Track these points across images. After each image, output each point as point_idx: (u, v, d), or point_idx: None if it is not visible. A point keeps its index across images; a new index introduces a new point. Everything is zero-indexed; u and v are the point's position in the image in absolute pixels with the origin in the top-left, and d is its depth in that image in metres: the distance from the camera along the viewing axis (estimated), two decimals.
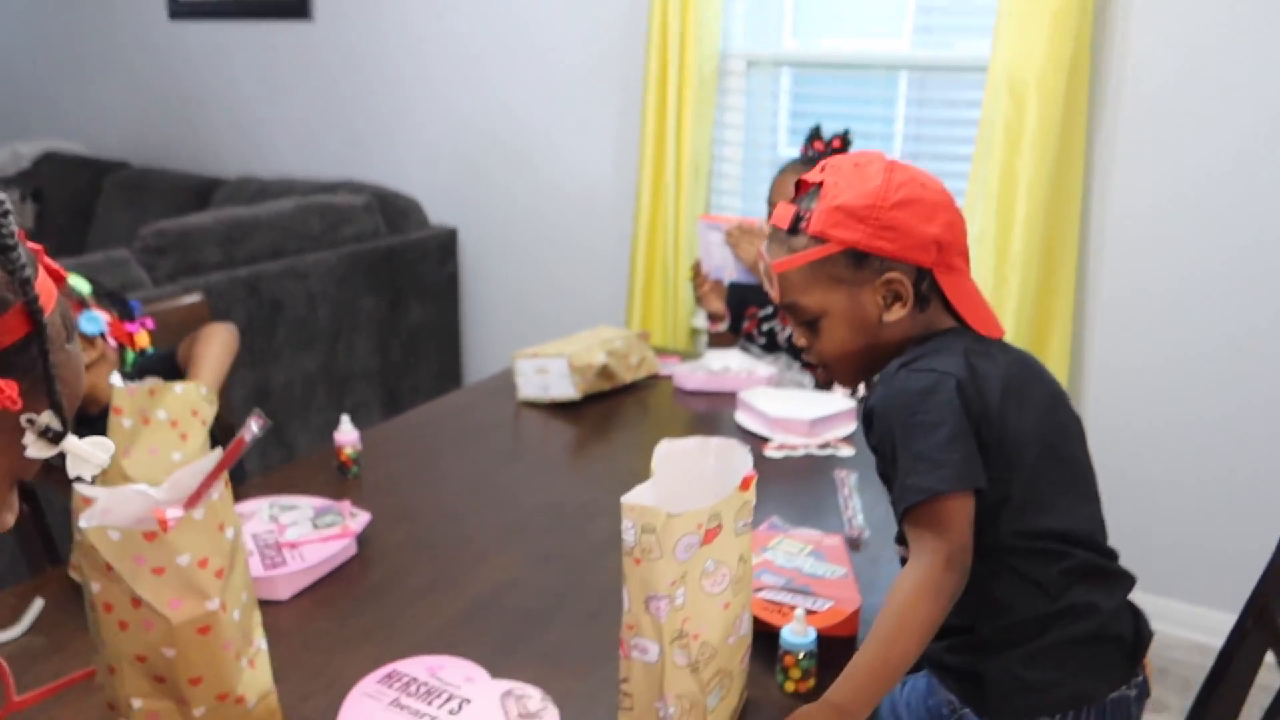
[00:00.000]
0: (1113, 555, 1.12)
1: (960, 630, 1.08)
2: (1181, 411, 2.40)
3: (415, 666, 1.07)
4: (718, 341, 2.44)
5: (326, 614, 1.24)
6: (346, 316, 3.00)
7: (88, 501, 0.88)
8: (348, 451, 1.60)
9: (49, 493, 1.60)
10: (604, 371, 2.00)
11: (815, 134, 2.30)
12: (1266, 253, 2.24)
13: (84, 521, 0.85)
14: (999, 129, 2.32)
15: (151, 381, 1.22)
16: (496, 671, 1.08)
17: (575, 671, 1.12)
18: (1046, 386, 1.14)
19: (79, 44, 4.20)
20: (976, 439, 1.03)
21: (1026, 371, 1.13)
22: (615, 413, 1.96)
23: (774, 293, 1.16)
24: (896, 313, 1.11)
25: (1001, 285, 2.40)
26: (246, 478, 1.65)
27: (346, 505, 1.41)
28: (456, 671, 1.06)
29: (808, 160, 2.27)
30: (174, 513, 0.85)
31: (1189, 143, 2.27)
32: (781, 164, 2.32)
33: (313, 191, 3.26)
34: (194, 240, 2.63)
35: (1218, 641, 1.20)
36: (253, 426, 0.91)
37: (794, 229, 1.12)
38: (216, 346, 1.53)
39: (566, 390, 1.95)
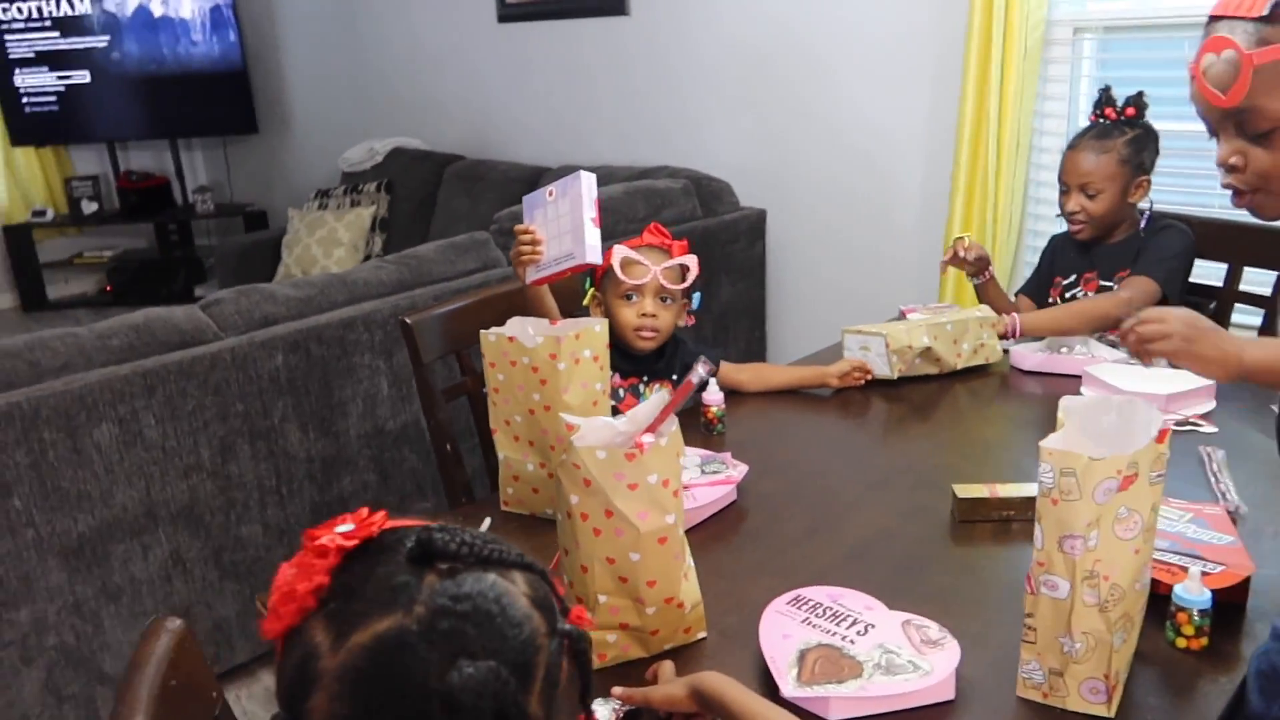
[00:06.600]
0: None
1: None
2: None
3: (818, 593, 1.19)
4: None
5: (720, 548, 1.39)
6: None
7: (571, 429, 1.07)
8: (714, 410, 1.75)
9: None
10: (927, 354, 1.96)
11: (1105, 98, 2.11)
12: None
13: (576, 441, 1.03)
14: None
15: (574, 324, 1.41)
16: (890, 606, 1.17)
17: (964, 613, 1.19)
18: None
19: (419, 49, 4.71)
20: None
21: None
22: (943, 392, 1.94)
23: (1223, 94, 0.98)
24: None
25: None
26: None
27: (727, 456, 1.56)
28: (856, 600, 1.17)
29: (1098, 130, 2.10)
30: (648, 438, 1.02)
31: None
32: (1071, 138, 2.16)
33: (631, 178, 3.49)
34: None
35: None
36: (700, 370, 1.07)
37: (1272, 16, 0.95)
38: None
39: (883, 370, 1.95)
